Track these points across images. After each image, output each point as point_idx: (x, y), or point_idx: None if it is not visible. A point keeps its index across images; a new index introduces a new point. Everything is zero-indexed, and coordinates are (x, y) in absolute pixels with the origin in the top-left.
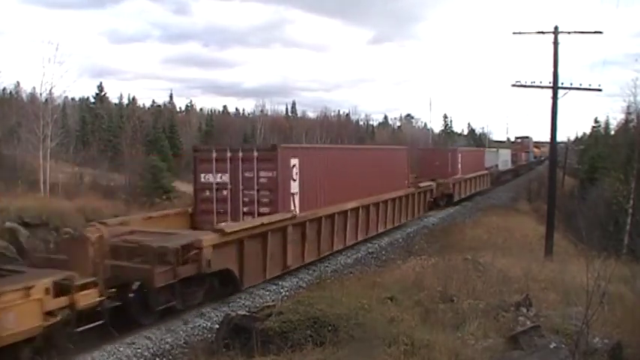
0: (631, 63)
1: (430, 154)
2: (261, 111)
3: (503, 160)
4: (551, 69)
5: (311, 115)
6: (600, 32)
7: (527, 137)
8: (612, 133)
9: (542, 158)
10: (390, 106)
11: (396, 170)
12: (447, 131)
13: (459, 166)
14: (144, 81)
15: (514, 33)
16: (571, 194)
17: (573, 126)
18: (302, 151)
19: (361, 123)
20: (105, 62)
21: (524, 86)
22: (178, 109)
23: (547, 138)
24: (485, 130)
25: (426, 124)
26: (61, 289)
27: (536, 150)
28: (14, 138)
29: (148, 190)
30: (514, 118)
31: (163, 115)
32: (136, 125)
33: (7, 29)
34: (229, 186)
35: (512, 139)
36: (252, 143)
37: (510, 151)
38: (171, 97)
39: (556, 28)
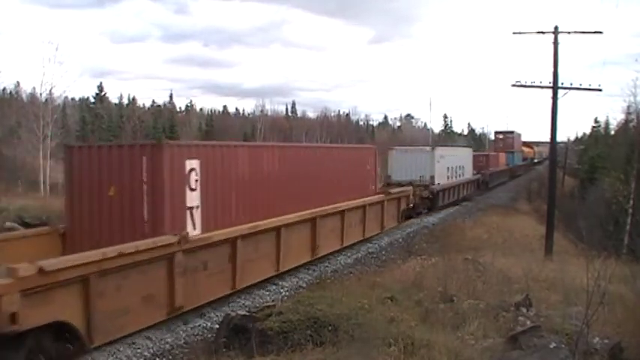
0: (631, 63)
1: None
2: (261, 111)
3: (453, 166)
4: (551, 69)
5: (311, 115)
6: (600, 32)
7: (510, 132)
8: (612, 133)
9: (536, 160)
10: (390, 106)
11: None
12: (447, 131)
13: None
14: (144, 81)
15: (514, 33)
16: (571, 194)
17: (573, 126)
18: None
19: (361, 123)
20: (105, 62)
21: (525, 86)
22: (178, 109)
23: (543, 137)
24: (486, 130)
25: (426, 124)
26: None
27: (526, 149)
28: (14, 138)
29: None
30: (514, 118)
31: (163, 115)
32: (136, 125)
33: (7, 29)
34: None
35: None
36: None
37: (471, 152)
38: (171, 97)
39: (556, 28)
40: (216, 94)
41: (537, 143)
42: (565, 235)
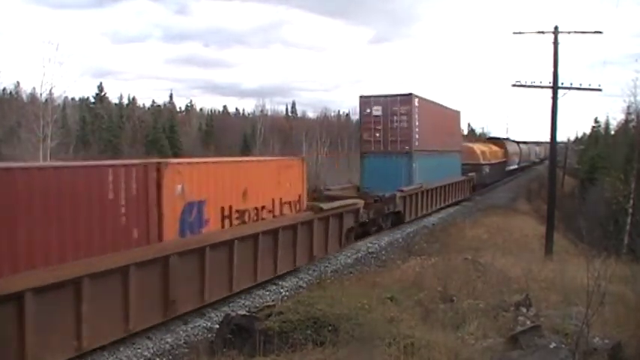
0: (631, 63)
1: None
2: (261, 111)
3: None
4: (551, 69)
5: (311, 115)
6: (600, 32)
7: (406, 96)
8: (612, 133)
9: (515, 166)
10: None
11: None
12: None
13: None
14: (144, 81)
15: (514, 33)
16: (571, 194)
17: (573, 126)
18: None
19: None
20: (105, 62)
21: (524, 86)
22: (178, 109)
23: (543, 137)
24: (485, 130)
25: None
26: None
27: (483, 148)
28: (14, 138)
29: None
30: (514, 117)
31: (163, 115)
32: (136, 125)
33: (7, 29)
34: None
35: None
36: None
37: None
38: (171, 97)
39: (556, 28)
40: (216, 94)
41: (536, 143)
42: (565, 235)
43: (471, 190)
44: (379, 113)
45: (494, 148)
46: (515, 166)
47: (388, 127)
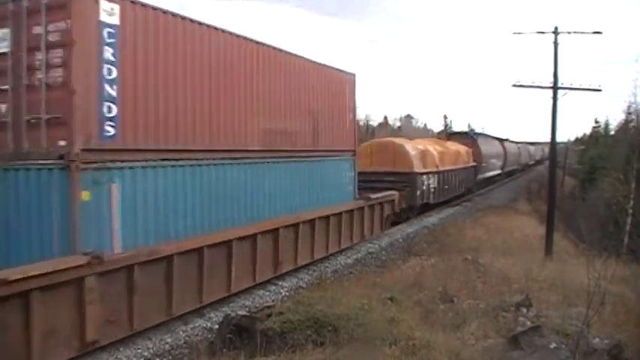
0: (631, 63)
1: None
2: None
3: None
4: (551, 69)
5: None
6: (600, 32)
7: None
8: (612, 133)
9: (498, 170)
10: (391, 107)
11: None
12: (447, 131)
13: None
14: None
15: (514, 33)
16: (571, 194)
17: (573, 126)
18: None
19: (361, 123)
20: None
21: (525, 86)
22: None
23: (542, 137)
24: (485, 130)
25: (426, 125)
26: None
27: (422, 146)
28: None
29: None
30: (515, 118)
31: None
32: None
33: None
34: None
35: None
36: None
37: None
38: None
39: (556, 28)
40: None
41: (531, 142)
42: (565, 236)
43: (382, 225)
44: (6, 49)
45: (454, 147)
46: (497, 172)
47: (22, 84)
